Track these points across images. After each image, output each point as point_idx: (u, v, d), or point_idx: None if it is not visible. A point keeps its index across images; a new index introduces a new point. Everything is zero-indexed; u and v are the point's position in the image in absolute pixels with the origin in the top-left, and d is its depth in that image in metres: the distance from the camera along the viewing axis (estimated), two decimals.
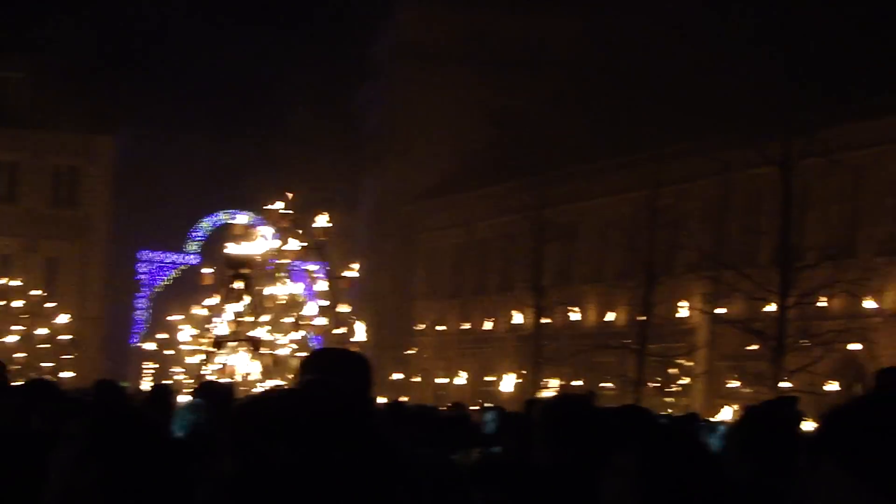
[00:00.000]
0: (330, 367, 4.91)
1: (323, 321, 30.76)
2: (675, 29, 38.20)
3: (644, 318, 40.32)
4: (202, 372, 29.82)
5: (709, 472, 3.72)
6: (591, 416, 5.48)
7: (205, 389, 10.80)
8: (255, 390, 19.38)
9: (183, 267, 71.11)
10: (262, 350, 28.72)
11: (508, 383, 49.19)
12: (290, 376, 22.35)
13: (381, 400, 19.00)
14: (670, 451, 3.72)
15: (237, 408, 3.35)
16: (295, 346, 29.40)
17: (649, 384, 40.83)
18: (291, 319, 30.22)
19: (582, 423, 5.33)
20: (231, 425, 3.21)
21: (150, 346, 56.82)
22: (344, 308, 31.75)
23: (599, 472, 3.71)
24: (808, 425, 9.83)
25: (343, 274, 30.74)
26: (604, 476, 3.67)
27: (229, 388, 12.44)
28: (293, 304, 30.71)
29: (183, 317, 39.88)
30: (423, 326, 60.65)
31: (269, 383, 25.70)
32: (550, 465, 5.25)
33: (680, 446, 3.79)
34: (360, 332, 31.96)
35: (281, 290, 30.09)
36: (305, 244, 30.05)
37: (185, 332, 35.99)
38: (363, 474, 3.07)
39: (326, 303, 31.18)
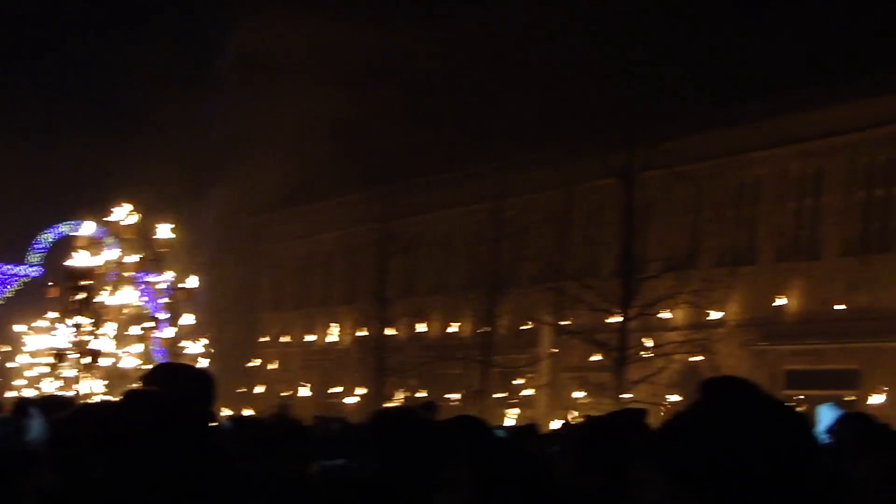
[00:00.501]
0: (170, 381, 4.79)
1: (166, 333, 30.02)
2: (519, 41, 37.95)
3: (488, 329, 39.99)
4: (43, 385, 28.95)
5: (541, 484, 3.71)
6: (422, 428, 5.42)
7: (43, 403, 10.34)
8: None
9: (26, 279, 69.42)
10: (104, 363, 27.97)
11: (353, 395, 48.66)
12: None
13: (225, 412, 18.42)
14: (501, 463, 3.68)
15: (58, 422, 3.06)
16: (138, 360, 28.69)
17: (494, 395, 40.48)
18: (134, 332, 29.48)
19: (411, 434, 5.26)
20: (51, 439, 2.99)
21: None
22: (187, 320, 31.01)
23: (431, 484, 3.68)
24: None
25: (185, 285, 29.99)
26: (436, 488, 3.64)
27: (68, 401, 11.88)
28: (137, 316, 29.94)
29: (26, 328, 38.85)
30: (267, 338, 59.83)
31: (111, 397, 24.95)
32: (383, 477, 5.16)
33: (511, 458, 3.76)
34: (204, 344, 31.22)
35: (123, 301, 29.28)
36: (146, 255, 29.30)
37: (28, 345, 34.94)
38: (191, 487, 2.95)
39: (170, 315, 30.43)
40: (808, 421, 2.60)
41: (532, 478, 3.69)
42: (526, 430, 15.64)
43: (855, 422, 9.54)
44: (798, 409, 2.61)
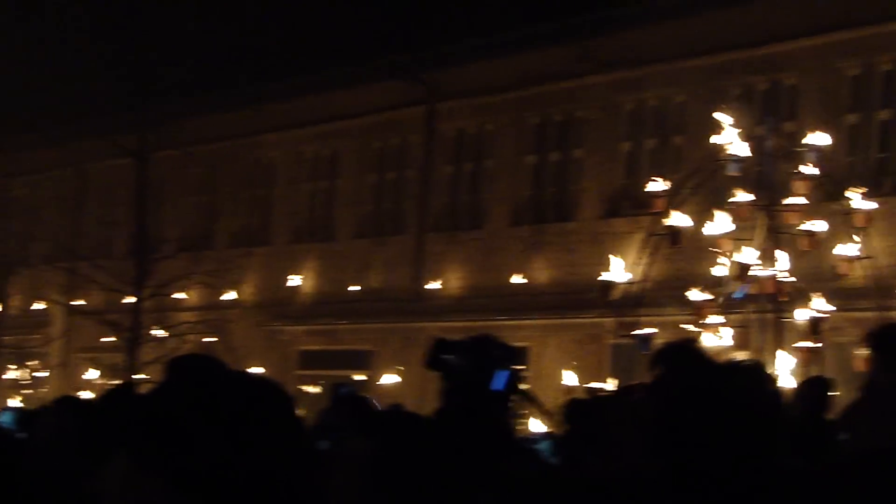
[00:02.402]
0: None
1: None
2: (25, 17, 35.31)
3: None
4: None
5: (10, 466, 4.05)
6: None
7: None
8: None
9: None
10: None
11: None
12: None
13: None
14: None
15: None
16: None
17: (4, 376, 37.86)
18: None
19: None
20: None
21: None
22: None
23: None
24: None
25: None
26: None
27: None
28: None
29: None
30: None
31: None
32: None
33: None
34: None
35: None
36: None
37: None
38: None
39: None
40: (288, 398, 2.53)
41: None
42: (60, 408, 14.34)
43: (347, 403, 10.16)
44: (277, 385, 2.56)
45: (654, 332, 14.85)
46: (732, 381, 3.28)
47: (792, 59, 24.17)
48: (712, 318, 15.52)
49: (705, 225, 16.11)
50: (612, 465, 3.68)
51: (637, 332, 15.05)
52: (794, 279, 15.71)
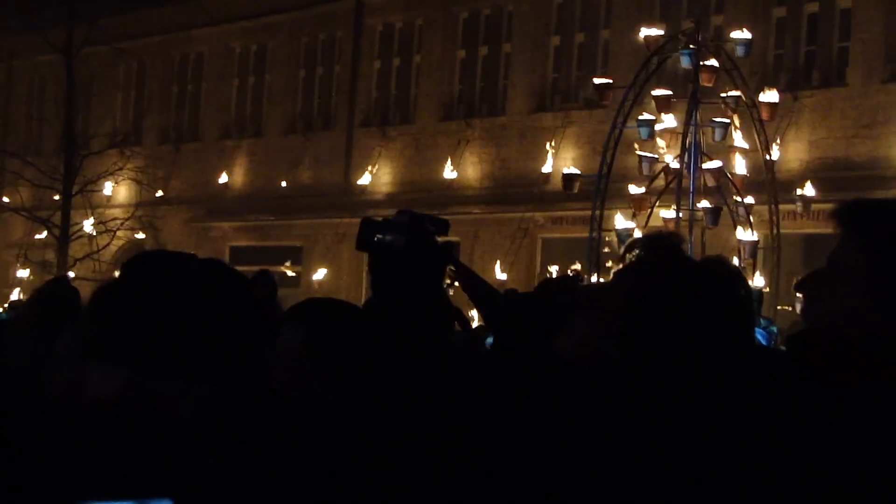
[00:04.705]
0: None
1: None
2: None
3: None
4: None
5: None
6: None
7: None
8: None
9: None
10: None
11: None
12: None
13: None
14: None
15: None
16: None
17: None
18: None
19: None
20: None
21: None
22: None
23: None
24: None
25: None
26: None
27: None
28: None
29: None
30: None
31: None
32: None
33: None
34: None
35: None
36: None
37: None
38: None
39: None
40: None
41: None
42: None
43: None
44: None
45: (633, 227, 14.46)
46: (711, 277, 3.21)
47: None
48: (663, 213, 15.18)
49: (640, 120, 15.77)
50: (576, 353, 3.53)
51: (619, 227, 14.60)
52: (728, 173, 15.35)
